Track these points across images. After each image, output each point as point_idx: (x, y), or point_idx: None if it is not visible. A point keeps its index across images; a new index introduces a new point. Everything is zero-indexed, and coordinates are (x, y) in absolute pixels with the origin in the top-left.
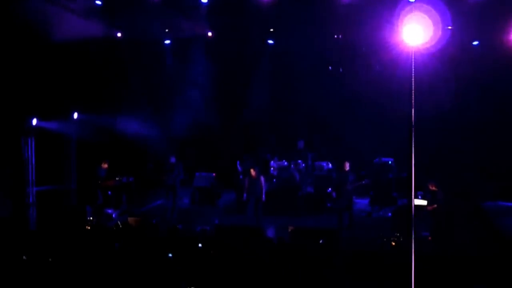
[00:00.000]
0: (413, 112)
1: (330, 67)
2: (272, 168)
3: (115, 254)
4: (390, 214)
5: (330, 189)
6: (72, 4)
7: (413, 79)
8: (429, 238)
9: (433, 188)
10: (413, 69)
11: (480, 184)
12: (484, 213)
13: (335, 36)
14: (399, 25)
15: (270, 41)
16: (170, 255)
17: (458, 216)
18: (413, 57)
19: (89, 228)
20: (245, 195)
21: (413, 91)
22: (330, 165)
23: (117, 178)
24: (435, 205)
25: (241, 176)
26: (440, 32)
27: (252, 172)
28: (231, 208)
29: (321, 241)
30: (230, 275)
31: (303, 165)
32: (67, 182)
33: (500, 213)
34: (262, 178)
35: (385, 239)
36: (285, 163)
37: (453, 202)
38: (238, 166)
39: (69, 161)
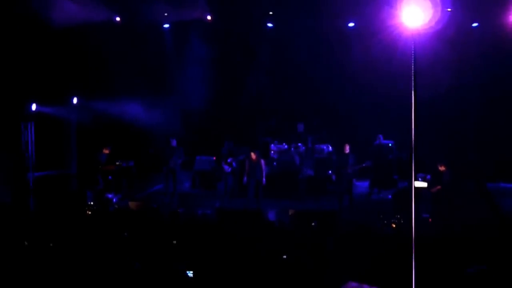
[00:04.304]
0: (413, 94)
1: None
2: (272, 152)
3: (116, 239)
4: (390, 196)
5: (330, 171)
6: None
7: (413, 60)
8: (430, 220)
9: (442, 169)
10: (413, 51)
11: (482, 166)
12: (488, 194)
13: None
14: (399, 6)
15: (270, 24)
16: (174, 241)
17: (462, 197)
18: (413, 38)
19: (89, 213)
20: (245, 178)
21: (413, 73)
22: (330, 147)
23: (117, 163)
24: (439, 187)
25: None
26: (439, 14)
27: (253, 155)
28: (232, 191)
29: (313, 224)
30: (231, 258)
31: (303, 148)
32: (67, 167)
33: (501, 195)
34: (262, 162)
35: (385, 222)
36: (285, 146)
37: (458, 183)
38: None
39: (69, 146)
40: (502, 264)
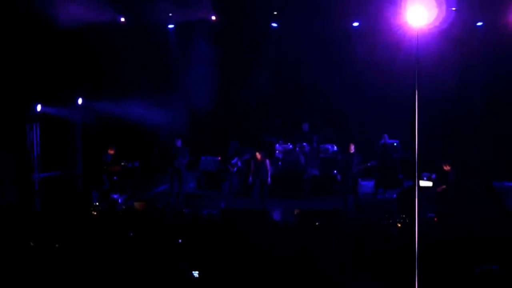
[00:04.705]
0: (416, 93)
1: None
2: (277, 151)
3: (121, 239)
4: (395, 196)
5: (335, 171)
6: None
7: (417, 60)
8: (435, 219)
9: (447, 168)
10: (417, 50)
11: (487, 164)
12: (496, 193)
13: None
14: (403, 6)
15: (274, 24)
16: (180, 240)
17: (468, 197)
18: (417, 38)
19: (95, 213)
20: (250, 178)
21: (417, 72)
22: (335, 147)
23: (122, 163)
24: (444, 186)
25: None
26: (444, 13)
27: (258, 155)
28: (237, 191)
29: (318, 223)
30: (236, 258)
31: (308, 147)
32: (72, 167)
33: (506, 194)
34: (267, 162)
35: (391, 221)
36: (290, 146)
37: (463, 182)
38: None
39: (74, 147)
40: (510, 264)
